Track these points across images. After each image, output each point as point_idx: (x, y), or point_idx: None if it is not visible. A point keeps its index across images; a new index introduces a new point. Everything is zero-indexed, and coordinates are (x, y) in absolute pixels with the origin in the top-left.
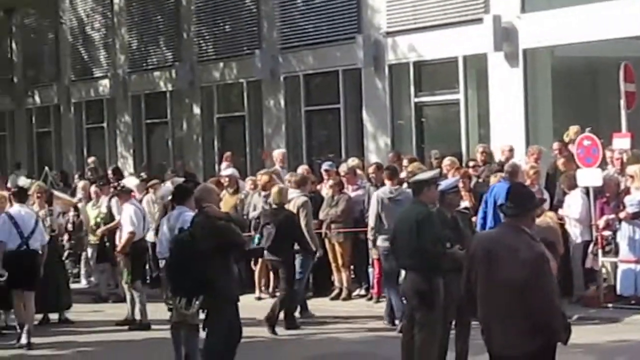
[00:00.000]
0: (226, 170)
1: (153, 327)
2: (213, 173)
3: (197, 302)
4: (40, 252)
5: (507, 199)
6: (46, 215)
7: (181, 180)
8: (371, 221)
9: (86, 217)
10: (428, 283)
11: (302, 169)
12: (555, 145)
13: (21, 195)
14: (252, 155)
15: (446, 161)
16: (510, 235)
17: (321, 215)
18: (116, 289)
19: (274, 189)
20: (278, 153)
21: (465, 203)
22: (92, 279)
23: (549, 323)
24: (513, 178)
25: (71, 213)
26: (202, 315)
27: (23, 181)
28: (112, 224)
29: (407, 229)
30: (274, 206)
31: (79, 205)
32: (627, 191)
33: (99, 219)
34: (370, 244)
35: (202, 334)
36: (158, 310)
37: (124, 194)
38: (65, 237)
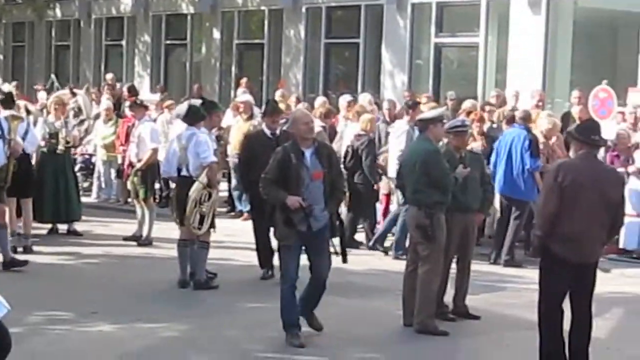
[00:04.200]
0: (242, 96)
1: (157, 244)
2: (229, 98)
3: (209, 221)
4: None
5: (588, 133)
6: (61, 127)
7: (198, 102)
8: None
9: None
10: (429, 218)
11: (322, 100)
12: (576, 93)
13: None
14: (268, 83)
15: (467, 103)
16: (599, 162)
17: (335, 148)
18: (124, 205)
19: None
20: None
21: (476, 145)
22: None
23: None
24: (527, 123)
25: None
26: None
27: (7, 87)
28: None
29: (412, 165)
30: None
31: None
32: (637, 146)
33: (112, 137)
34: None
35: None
36: (161, 229)
37: (140, 109)
38: (79, 150)
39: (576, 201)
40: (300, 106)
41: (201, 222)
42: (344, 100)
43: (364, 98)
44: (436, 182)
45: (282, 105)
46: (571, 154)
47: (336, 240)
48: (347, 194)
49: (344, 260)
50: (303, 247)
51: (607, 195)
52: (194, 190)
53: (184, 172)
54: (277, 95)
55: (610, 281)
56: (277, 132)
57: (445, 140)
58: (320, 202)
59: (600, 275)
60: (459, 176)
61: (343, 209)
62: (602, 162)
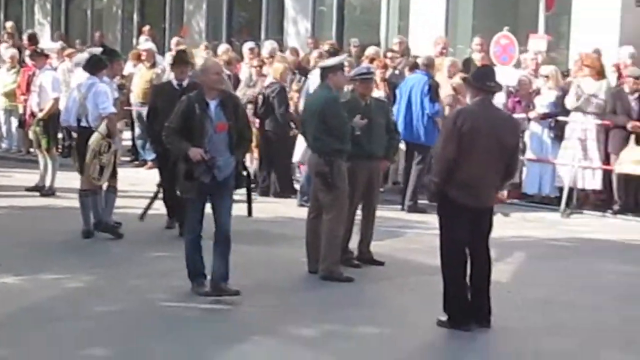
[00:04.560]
0: (144, 44)
1: (60, 194)
2: (131, 46)
3: (108, 172)
4: None
5: (483, 79)
6: None
7: (99, 50)
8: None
9: None
10: (329, 165)
11: (225, 47)
12: (477, 40)
13: None
14: (171, 30)
15: (370, 50)
16: (496, 109)
17: (239, 95)
18: (26, 155)
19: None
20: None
21: (380, 93)
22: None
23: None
24: (430, 70)
25: None
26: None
27: None
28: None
29: (312, 113)
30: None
31: None
32: (538, 92)
33: (13, 85)
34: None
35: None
36: (64, 179)
37: (41, 58)
38: None
39: (474, 147)
40: (203, 54)
41: (101, 172)
42: (247, 47)
43: (269, 45)
44: (335, 130)
45: None
46: (468, 100)
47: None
48: (255, 144)
49: (249, 214)
50: (208, 197)
51: (504, 141)
52: (93, 141)
53: (83, 123)
54: (173, 43)
55: (511, 225)
56: (185, 83)
57: (350, 87)
58: (225, 154)
59: (501, 219)
60: (355, 126)
61: (253, 163)
62: (499, 108)
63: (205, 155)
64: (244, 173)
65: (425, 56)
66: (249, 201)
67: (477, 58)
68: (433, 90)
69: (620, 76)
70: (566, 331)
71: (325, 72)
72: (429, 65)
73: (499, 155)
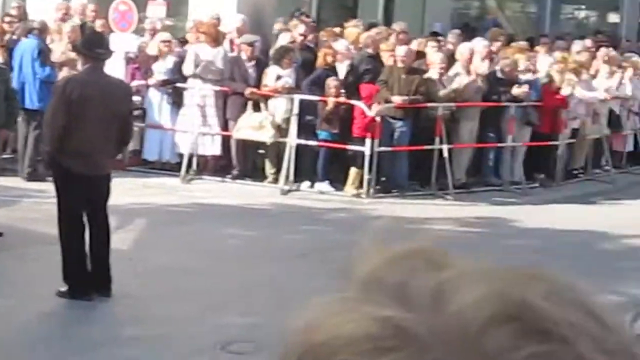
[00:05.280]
0: None
1: None
2: None
3: None
4: None
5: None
6: None
7: None
8: None
9: None
10: None
11: None
12: (92, 6)
13: None
14: None
15: None
16: (107, 76)
17: None
18: None
19: None
20: None
21: None
22: None
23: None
24: (42, 35)
25: None
26: None
27: None
28: None
29: None
30: None
31: None
32: (157, 58)
33: None
34: None
35: None
36: None
37: None
38: None
39: (84, 115)
40: None
41: None
42: None
43: None
44: None
45: None
46: (79, 67)
47: None
48: None
49: None
50: None
51: (115, 108)
52: None
53: None
54: None
55: (132, 192)
56: None
57: None
58: None
59: (122, 186)
60: None
61: None
62: (109, 75)
63: None
64: None
65: (39, 21)
66: None
67: (98, 25)
68: (44, 55)
69: (232, 43)
70: (188, 296)
71: None
72: (42, 30)
73: (111, 122)
